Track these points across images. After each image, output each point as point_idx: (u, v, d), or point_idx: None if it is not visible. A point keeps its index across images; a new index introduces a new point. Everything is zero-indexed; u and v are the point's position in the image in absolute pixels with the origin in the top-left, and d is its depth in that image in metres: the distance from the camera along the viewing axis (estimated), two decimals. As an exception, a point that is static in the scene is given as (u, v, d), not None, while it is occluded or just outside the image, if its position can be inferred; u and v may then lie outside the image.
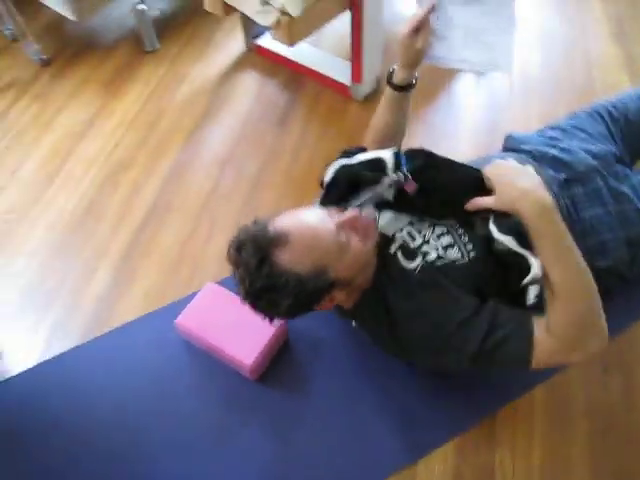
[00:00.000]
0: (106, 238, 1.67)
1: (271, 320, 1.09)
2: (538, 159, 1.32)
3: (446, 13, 1.07)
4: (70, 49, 2.31)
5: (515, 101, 1.96)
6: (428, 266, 1.09)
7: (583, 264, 0.97)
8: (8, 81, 2.21)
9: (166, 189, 1.78)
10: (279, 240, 0.98)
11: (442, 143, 1.82)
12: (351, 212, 1.04)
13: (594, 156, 1.30)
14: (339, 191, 1.08)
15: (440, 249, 1.12)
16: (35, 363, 1.41)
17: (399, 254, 1.12)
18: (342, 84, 1.92)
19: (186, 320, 1.34)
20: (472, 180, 1.06)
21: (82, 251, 1.65)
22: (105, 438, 1.27)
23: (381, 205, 1.14)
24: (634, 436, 1.21)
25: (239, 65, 2.17)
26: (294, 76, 2.07)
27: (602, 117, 1.41)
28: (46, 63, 2.25)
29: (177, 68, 2.20)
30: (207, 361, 1.36)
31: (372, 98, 1.93)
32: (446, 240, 1.13)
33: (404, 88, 1.18)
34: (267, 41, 2.11)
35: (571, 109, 1.50)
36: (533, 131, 1.46)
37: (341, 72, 1.92)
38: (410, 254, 1.12)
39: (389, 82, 1.19)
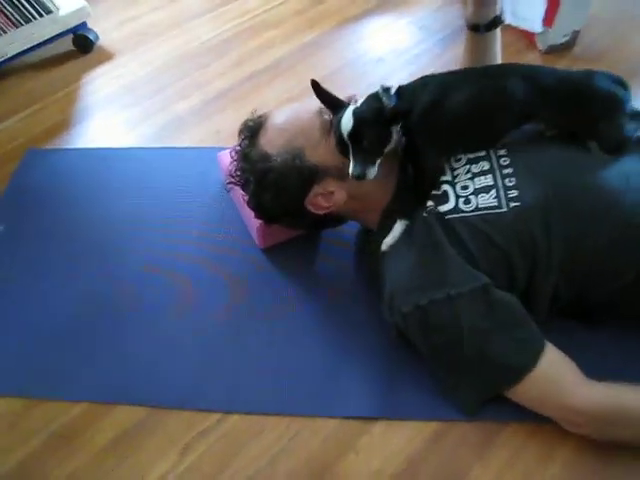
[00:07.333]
0: (214, 74, 1.64)
1: (263, 218, 1.04)
2: None
3: None
4: None
5: None
6: (433, 216, 0.89)
7: None
8: None
9: (293, 56, 1.66)
10: (260, 124, 0.97)
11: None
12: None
13: None
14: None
15: (467, 193, 0.89)
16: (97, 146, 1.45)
17: None
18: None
19: (226, 156, 1.20)
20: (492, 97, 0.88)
21: (188, 76, 1.65)
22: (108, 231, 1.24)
23: None
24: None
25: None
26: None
27: None
28: None
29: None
30: (229, 211, 1.22)
31: (559, 54, 1.59)
32: (483, 181, 0.89)
33: (476, 28, 1.03)
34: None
35: None
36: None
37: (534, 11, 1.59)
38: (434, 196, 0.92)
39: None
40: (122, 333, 1.04)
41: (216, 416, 0.94)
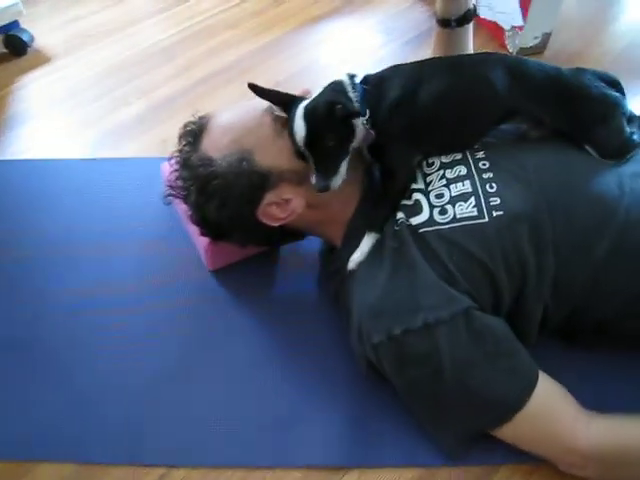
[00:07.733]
0: (162, 79, 1.51)
1: (210, 234, 0.91)
2: None
3: None
4: None
5: None
6: (404, 230, 0.77)
7: None
8: None
9: (250, 59, 1.55)
10: (203, 126, 0.85)
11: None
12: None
13: None
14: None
15: (442, 203, 0.78)
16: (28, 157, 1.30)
17: None
18: (500, 27, 1.53)
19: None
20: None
21: (134, 80, 1.51)
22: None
23: None
24: None
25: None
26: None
27: None
28: None
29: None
30: (175, 229, 1.08)
31: (530, 57, 1.51)
32: (460, 187, 0.78)
33: (446, 23, 0.94)
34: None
35: None
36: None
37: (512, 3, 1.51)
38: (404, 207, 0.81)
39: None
40: (42, 374, 0.89)
41: (159, 471, 0.80)
